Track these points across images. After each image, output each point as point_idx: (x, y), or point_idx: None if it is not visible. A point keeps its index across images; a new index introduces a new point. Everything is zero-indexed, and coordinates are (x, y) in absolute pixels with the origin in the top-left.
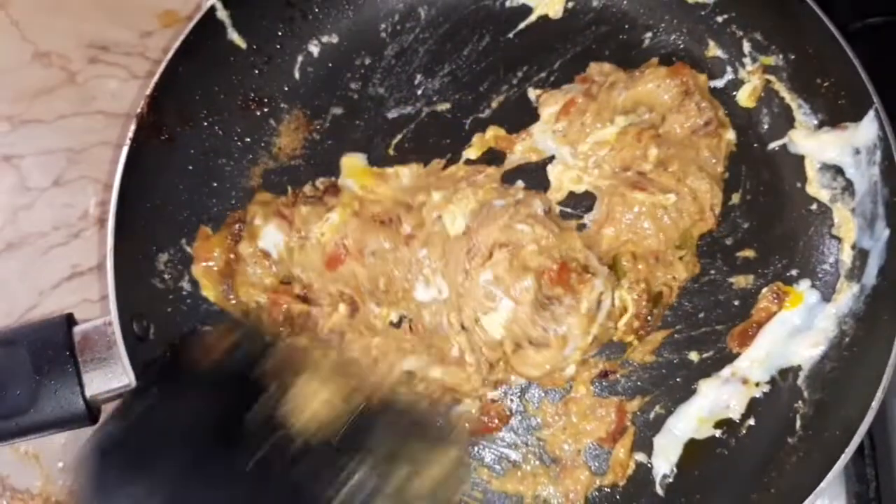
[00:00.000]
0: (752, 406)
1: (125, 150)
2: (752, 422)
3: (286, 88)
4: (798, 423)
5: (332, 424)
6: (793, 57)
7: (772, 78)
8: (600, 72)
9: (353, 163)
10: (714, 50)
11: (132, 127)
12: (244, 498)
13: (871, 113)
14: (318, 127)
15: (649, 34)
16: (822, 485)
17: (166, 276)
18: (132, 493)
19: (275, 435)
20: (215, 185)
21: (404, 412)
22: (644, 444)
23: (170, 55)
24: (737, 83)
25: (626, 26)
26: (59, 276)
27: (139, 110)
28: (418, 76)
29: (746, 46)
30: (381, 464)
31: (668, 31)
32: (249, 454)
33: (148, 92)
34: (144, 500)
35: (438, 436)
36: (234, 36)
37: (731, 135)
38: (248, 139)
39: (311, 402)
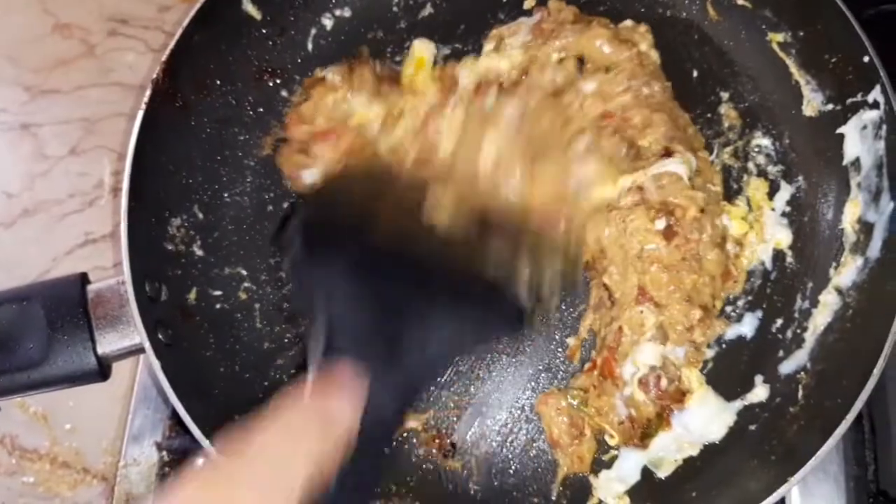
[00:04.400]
0: None
1: (140, 114)
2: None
3: (299, 60)
4: (800, 393)
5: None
6: (802, 33)
7: (782, 54)
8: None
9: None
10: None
11: (148, 92)
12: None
13: (878, 87)
14: None
15: (660, 9)
16: (823, 450)
17: (178, 241)
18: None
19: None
20: (227, 153)
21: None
22: None
23: (185, 23)
24: None
25: None
26: (72, 243)
27: (154, 76)
28: None
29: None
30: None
31: (675, 6)
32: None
33: (164, 58)
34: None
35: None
36: (249, 7)
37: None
38: (261, 109)
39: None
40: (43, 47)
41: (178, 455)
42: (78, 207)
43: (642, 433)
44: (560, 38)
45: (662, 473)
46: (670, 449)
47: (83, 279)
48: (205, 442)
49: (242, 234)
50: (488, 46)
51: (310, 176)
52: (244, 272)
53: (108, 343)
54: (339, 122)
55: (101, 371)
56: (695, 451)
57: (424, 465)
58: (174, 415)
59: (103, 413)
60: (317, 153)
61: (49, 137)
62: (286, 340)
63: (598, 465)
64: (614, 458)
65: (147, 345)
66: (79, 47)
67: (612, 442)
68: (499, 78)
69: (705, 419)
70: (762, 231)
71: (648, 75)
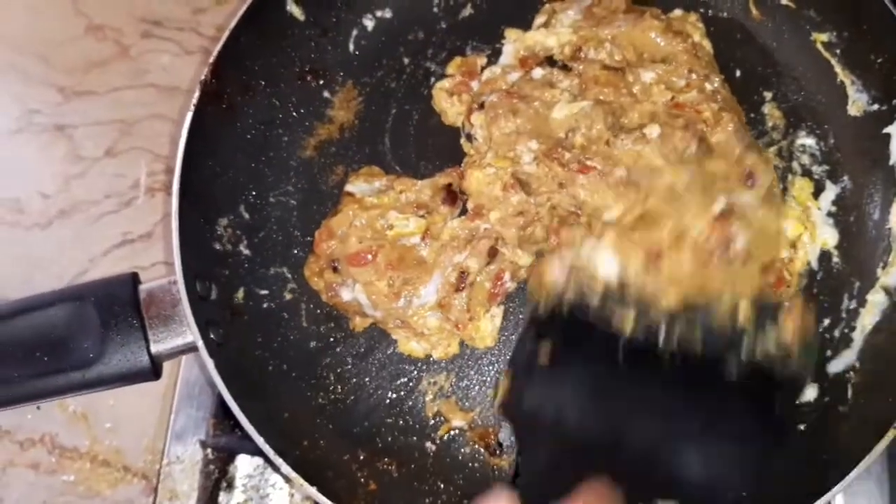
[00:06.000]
0: None
1: (189, 115)
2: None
3: (341, 61)
4: (850, 392)
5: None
6: (846, 34)
7: (826, 54)
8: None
9: None
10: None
11: (196, 93)
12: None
13: None
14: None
15: (701, 8)
16: (877, 449)
17: (225, 241)
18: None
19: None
20: (272, 154)
21: None
22: None
23: (232, 24)
24: None
25: None
26: (109, 244)
27: (203, 77)
28: (469, 52)
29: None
30: None
31: (717, 5)
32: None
33: (212, 59)
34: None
35: None
36: (293, 8)
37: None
38: (304, 110)
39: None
40: (76, 48)
41: (222, 453)
42: (114, 208)
43: None
44: (612, 25)
45: None
46: None
47: (134, 279)
48: (259, 439)
49: (288, 234)
50: (539, 20)
51: (349, 293)
52: (289, 272)
53: (161, 342)
54: (373, 239)
55: (154, 370)
56: None
57: (471, 464)
58: (218, 413)
59: (143, 412)
60: (353, 275)
61: (83, 139)
62: (332, 340)
63: None
64: None
65: (200, 343)
66: (112, 49)
67: None
68: (545, 53)
69: None
70: (815, 231)
71: (706, 67)
